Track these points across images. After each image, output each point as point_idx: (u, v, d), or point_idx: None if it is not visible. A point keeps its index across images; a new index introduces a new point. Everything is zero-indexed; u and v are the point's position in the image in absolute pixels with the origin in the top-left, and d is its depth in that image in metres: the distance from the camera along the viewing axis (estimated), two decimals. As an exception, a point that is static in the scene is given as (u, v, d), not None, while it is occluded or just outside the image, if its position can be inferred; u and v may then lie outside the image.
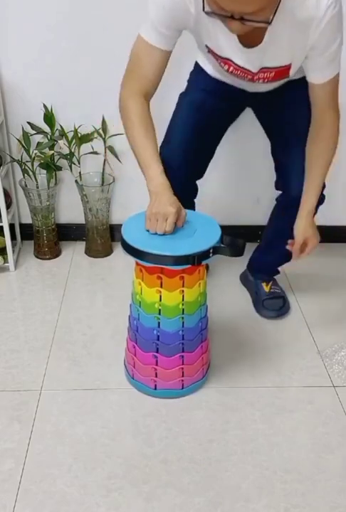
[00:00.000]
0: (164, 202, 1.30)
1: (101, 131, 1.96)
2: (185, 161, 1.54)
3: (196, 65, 1.62)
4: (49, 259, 2.12)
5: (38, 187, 2.04)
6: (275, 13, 1.11)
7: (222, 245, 1.32)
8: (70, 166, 2.01)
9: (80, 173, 2.04)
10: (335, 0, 1.22)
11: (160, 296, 1.33)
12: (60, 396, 1.48)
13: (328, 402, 1.47)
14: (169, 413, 1.43)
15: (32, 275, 2.05)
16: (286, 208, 1.58)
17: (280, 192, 1.65)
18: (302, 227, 1.50)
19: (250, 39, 1.27)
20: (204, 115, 1.57)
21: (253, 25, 1.11)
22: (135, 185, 2.13)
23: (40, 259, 2.12)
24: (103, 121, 1.95)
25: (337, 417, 1.43)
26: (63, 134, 1.96)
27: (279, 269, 1.87)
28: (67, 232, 2.21)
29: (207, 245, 1.27)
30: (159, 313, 1.35)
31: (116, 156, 1.99)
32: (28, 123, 1.97)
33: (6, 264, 2.02)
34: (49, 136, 1.97)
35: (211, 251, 1.28)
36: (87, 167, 2.07)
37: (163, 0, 1.25)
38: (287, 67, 1.37)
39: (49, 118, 1.95)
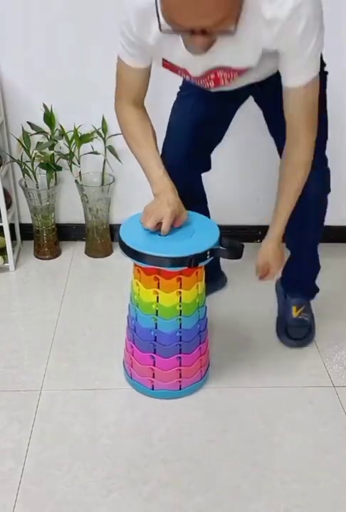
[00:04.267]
0: (163, 201, 1.30)
1: (101, 131, 1.96)
2: (187, 154, 1.52)
3: None
4: (49, 259, 2.12)
5: (38, 187, 2.04)
6: (237, 21, 1.02)
7: (220, 247, 1.32)
8: (70, 166, 2.01)
9: (80, 173, 2.04)
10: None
11: (157, 297, 1.33)
12: (60, 396, 1.48)
13: (328, 402, 1.47)
14: (169, 413, 1.43)
15: (32, 275, 2.05)
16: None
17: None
18: (265, 250, 1.47)
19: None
20: (203, 107, 1.49)
21: (215, 37, 1.05)
22: (135, 185, 2.13)
23: (40, 259, 2.12)
24: (103, 121, 1.95)
25: (337, 417, 1.43)
26: (63, 134, 1.96)
27: (317, 285, 1.71)
28: (67, 232, 2.21)
29: (204, 247, 1.27)
30: (156, 314, 1.35)
31: (116, 156, 1.99)
32: (28, 123, 1.97)
33: (6, 264, 2.02)
34: (49, 136, 1.97)
35: (208, 253, 1.27)
36: (87, 167, 2.07)
37: (124, 30, 1.25)
38: (248, 68, 1.24)
39: (49, 118, 1.95)
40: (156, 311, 1.35)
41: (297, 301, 1.71)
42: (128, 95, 1.37)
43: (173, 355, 1.39)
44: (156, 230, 1.30)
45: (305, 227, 1.53)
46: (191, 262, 1.25)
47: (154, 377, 1.42)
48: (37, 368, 1.57)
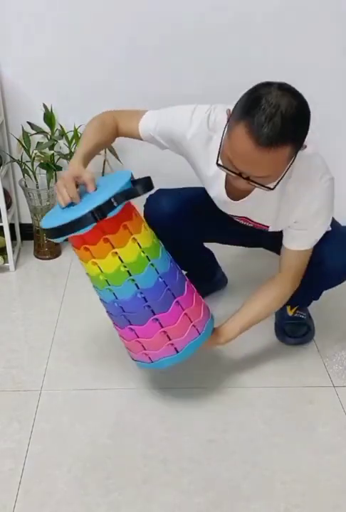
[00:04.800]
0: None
1: (101, 131, 1.96)
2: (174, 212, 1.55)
3: None
4: (49, 259, 2.12)
5: (38, 187, 2.04)
6: (278, 182, 1.19)
7: (125, 189, 1.20)
8: (70, 166, 2.01)
9: (80, 173, 2.04)
10: (325, 188, 1.30)
11: (99, 267, 1.25)
12: (60, 396, 1.48)
13: (328, 402, 1.47)
14: (169, 413, 1.43)
15: (32, 275, 2.05)
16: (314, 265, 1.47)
17: None
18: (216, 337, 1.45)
19: (237, 193, 1.35)
20: (208, 206, 1.55)
21: (256, 187, 1.19)
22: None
23: (40, 259, 2.13)
24: (103, 121, 1.95)
25: (337, 417, 1.43)
26: (63, 134, 1.96)
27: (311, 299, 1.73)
28: (67, 232, 2.21)
29: (106, 196, 1.16)
30: (109, 284, 1.26)
31: (116, 156, 1.99)
32: (28, 123, 1.97)
33: (6, 264, 2.02)
34: (49, 136, 1.97)
35: (112, 200, 1.15)
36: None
37: (167, 118, 1.39)
38: (266, 227, 1.44)
39: (49, 118, 1.95)
40: (106, 281, 1.26)
41: (291, 301, 1.67)
42: (121, 121, 1.45)
43: (148, 320, 1.28)
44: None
45: (321, 285, 1.57)
46: (95, 215, 1.14)
47: (145, 349, 1.33)
48: (37, 367, 1.57)
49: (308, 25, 1.85)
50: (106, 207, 1.15)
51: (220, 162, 1.20)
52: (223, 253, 1.89)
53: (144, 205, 1.58)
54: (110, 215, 1.16)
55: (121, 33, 1.88)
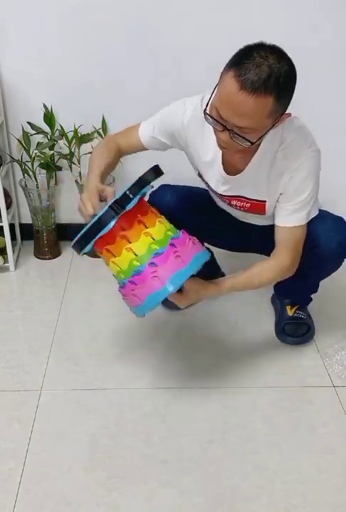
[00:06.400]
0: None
1: (101, 131, 1.96)
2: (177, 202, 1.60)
3: None
4: (49, 259, 2.13)
5: (38, 187, 2.04)
6: (259, 139, 1.22)
7: (137, 179, 1.23)
8: (70, 166, 2.01)
9: (80, 173, 2.04)
10: (311, 157, 1.32)
11: (118, 265, 1.26)
12: (60, 396, 1.48)
13: (328, 402, 1.47)
14: (169, 413, 1.43)
15: (32, 275, 2.05)
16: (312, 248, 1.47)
17: None
18: (202, 287, 1.41)
19: (232, 166, 1.39)
20: (209, 203, 1.64)
21: (238, 143, 1.21)
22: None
23: (40, 259, 2.13)
24: (103, 121, 1.95)
25: (337, 417, 1.43)
26: (63, 134, 1.96)
27: (312, 296, 1.75)
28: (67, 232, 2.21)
29: (123, 191, 1.20)
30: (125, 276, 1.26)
31: (116, 156, 1.98)
32: (28, 123, 1.97)
33: (6, 264, 2.02)
34: (49, 136, 1.97)
35: (127, 192, 1.20)
36: (87, 167, 2.06)
37: (163, 115, 1.46)
38: (263, 204, 1.44)
39: (49, 118, 1.95)
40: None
41: (291, 301, 1.74)
42: (120, 140, 1.51)
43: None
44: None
45: (318, 271, 1.57)
46: (114, 209, 1.18)
47: (156, 271, 1.24)
48: (37, 367, 1.57)
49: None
50: (123, 199, 1.20)
51: (207, 111, 1.22)
52: (223, 253, 1.89)
53: (148, 201, 1.59)
54: (129, 207, 1.21)
55: (121, 33, 1.87)
